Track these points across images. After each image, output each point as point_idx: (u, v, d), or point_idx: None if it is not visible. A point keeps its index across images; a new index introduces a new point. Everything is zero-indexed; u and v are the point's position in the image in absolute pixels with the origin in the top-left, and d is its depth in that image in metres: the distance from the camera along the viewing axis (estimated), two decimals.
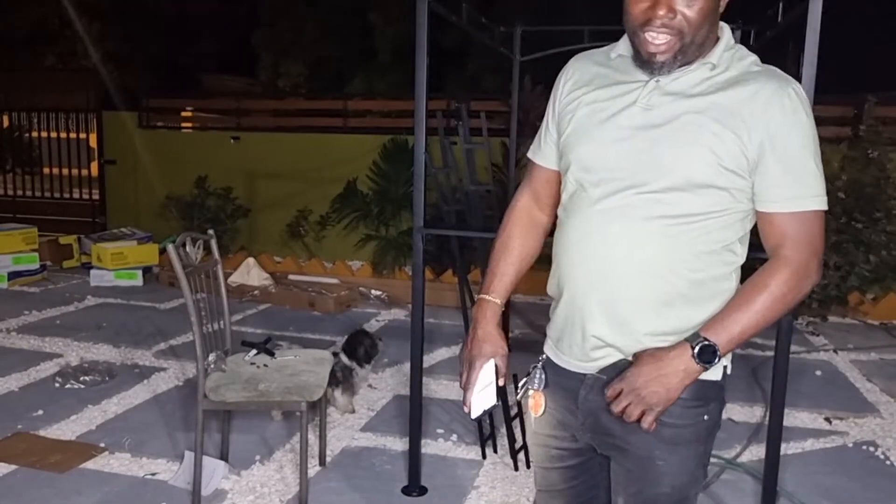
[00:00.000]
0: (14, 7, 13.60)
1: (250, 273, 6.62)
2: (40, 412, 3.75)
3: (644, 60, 1.42)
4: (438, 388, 4.26)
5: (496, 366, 1.57)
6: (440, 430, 3.62)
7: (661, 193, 1.40)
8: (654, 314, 1.43)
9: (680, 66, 1.41)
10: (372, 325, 5.65)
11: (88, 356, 4.67)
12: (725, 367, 1.48)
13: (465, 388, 1.57)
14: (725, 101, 1.39)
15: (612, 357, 1.48)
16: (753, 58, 1.46)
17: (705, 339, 1.38)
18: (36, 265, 6.95)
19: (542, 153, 1.63)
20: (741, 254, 1.48)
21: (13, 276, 6.71)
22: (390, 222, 7.45)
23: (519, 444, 3.30)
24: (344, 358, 3.80)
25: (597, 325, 1.46)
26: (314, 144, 8.22)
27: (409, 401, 3.04)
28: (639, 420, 1.41)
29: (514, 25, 4.85)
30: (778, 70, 1.44)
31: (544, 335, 1.62)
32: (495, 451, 3.39)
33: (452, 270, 6.74)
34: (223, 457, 3.17)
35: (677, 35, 1.38)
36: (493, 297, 1.62)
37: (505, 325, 5.04)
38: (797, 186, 1.38)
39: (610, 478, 1.57)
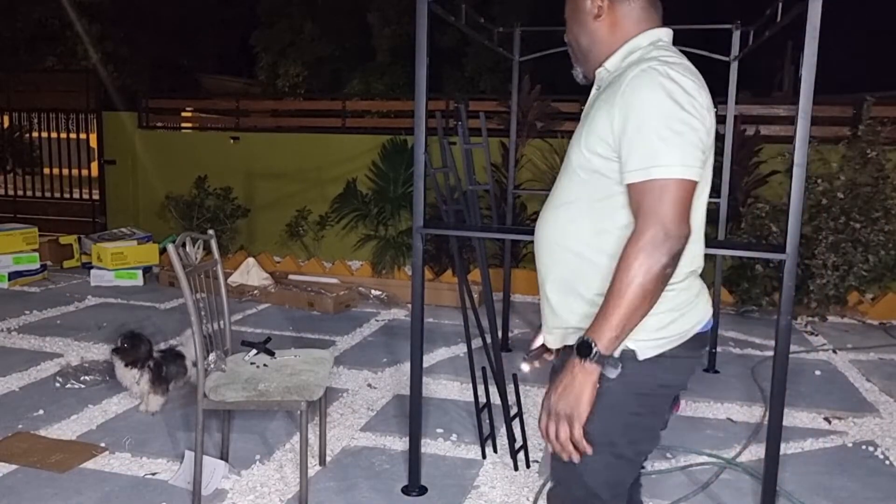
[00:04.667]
0: (14, 8, 13.59)
1: (250, 273, 6.63)
2: (41, 412, 3.75)
3: None
4: (438, 387, 4.26)
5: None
6: (440, 430, 3.63)
7: (562, 180, 1.67)
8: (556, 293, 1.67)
9: (587, 71, 1.72)
10: (371, 325, 5.66)
11: (89, 356, 4.68)
12: (628, 349, 1.54)
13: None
14: (605, 95, 1.58)
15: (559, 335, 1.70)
16: (645, 59, 1.55)
17: (583, 337, 1.48)
18: (36, 265, 6.96)
19: None
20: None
21: (14, 275, 6.72)
22: (389, 222, 7.46)
23: (519, 443, 3.30)
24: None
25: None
26: (313, 145, 8.23)
27: (409, 400, 3.04)
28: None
29: (513, 26, 4.86)
30: (655, 61, 1.53)
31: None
32: (495, 451, 3.40)
33: (452, 270, 6.74)
34: (223, 456, 3.18)
35: (572, 50, 1.76)
36: None
37: (504, 325, 5.05)
38: (638, 159, 1.47)
39: None
